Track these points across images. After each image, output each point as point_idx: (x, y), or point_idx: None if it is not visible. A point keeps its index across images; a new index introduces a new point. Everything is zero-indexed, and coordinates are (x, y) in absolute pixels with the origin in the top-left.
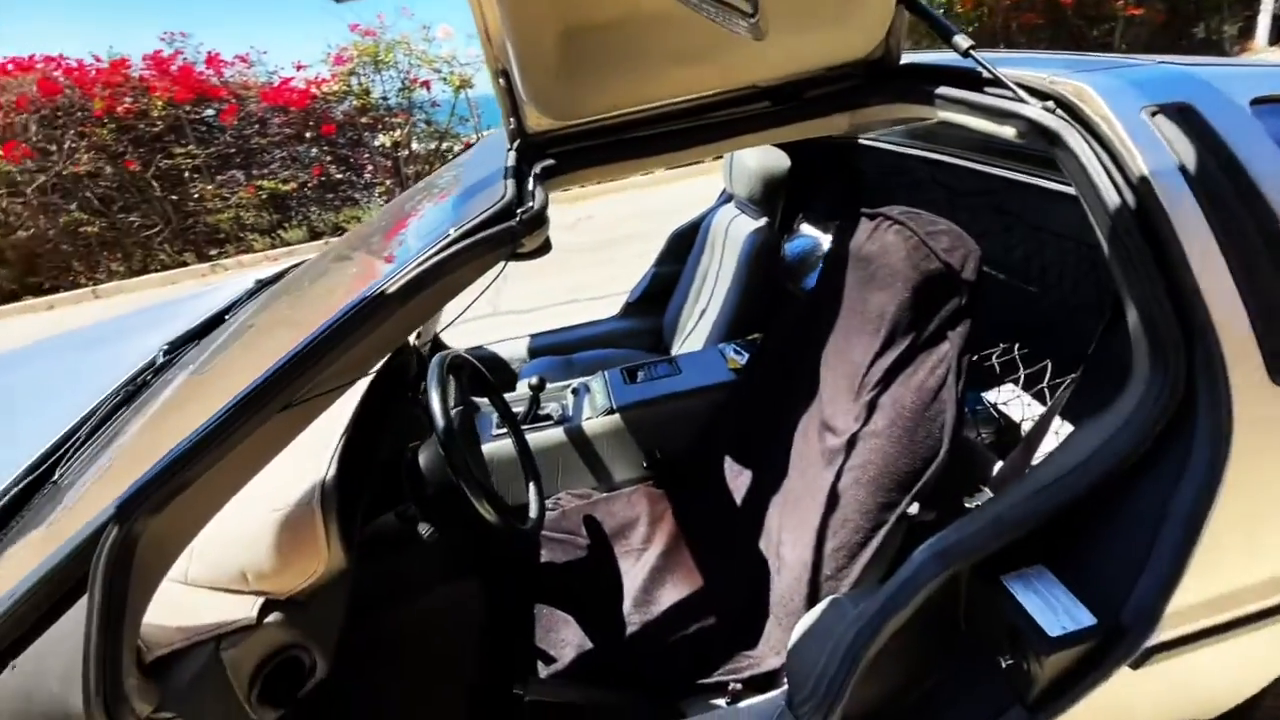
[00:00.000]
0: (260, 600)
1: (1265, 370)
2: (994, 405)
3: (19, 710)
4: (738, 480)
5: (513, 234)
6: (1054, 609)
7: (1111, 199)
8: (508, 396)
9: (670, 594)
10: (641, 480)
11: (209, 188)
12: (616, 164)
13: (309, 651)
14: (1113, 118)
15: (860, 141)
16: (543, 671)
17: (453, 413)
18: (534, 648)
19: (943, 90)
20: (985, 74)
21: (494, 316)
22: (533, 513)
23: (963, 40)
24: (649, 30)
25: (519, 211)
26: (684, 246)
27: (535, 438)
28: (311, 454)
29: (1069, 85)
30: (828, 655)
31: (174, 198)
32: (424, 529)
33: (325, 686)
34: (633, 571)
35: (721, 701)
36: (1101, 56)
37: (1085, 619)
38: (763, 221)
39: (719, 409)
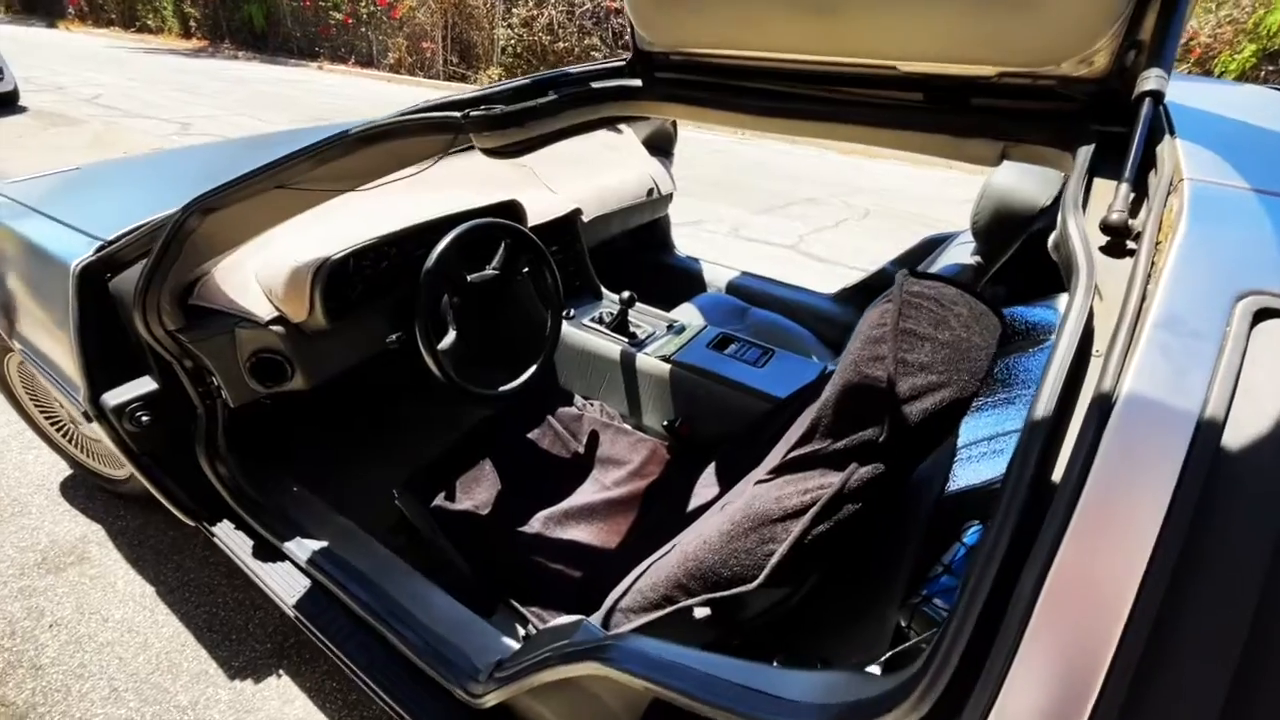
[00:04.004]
0: (275, 313)
1: None
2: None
3: (126, 292)
4: (706, 488)
5: (455, 125)
6: None
7: (1051, 386)
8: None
9: (578, 532)
10: (662, 436)
11: None
12: (713, 110)
13: (291, 364)
14: (1167, 293)
15: None
16: (435, 500)
17: (484, 273)
18: (450, 482)
19: (1084, 150)
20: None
21: (792, 250)
22: (504, 386)
23: (1152, 79)
24: None
25: (479, 109)
26: (925, 253)
27: (604, 345)
28: (337, 243)
29: (1171, 216)
30: (537, 652)
31: None
32: (391, 338)
33: (306, 405)
34: (578, 496)
35: (519, 626)
36: None
37: None
38: (972, 259)
39: (754, 416)
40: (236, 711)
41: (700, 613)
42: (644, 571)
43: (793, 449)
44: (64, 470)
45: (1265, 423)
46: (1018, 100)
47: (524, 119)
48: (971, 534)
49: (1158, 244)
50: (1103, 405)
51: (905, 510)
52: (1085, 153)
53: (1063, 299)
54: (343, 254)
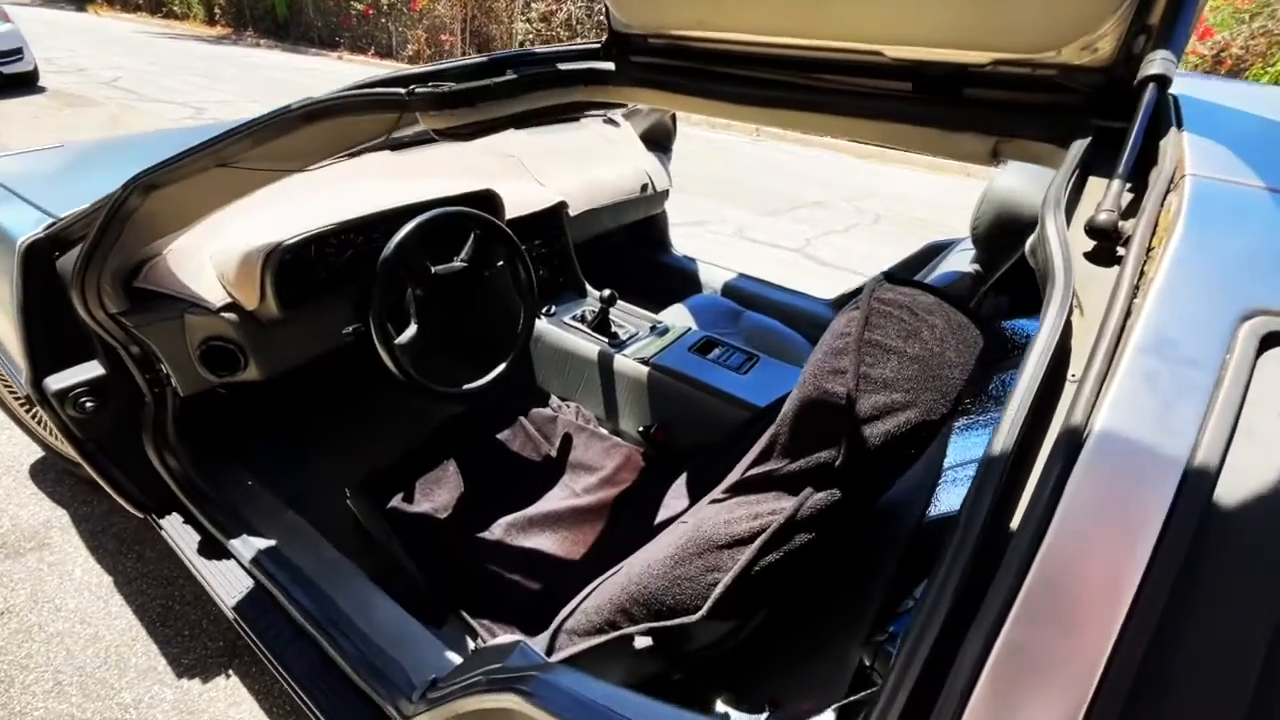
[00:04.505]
0: (228, 300)
1: None
2: None
3: (68, 272)
4: (676, 500)
5: (400, 102)
6: None
7: (1015, 414)
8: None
9: (540, 541)
10: (638, 441)
11: None
12: (690, 97)
13: (244, 353)
14: (1157, 310)
15: None
16: (391, 501)
17: (451, 265)
18: (410, 482)
19: (1078, 143)
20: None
21: (798, 254)
22: (469, 384)
23: (1158, 62)
24: None
25: (426, 86)
26: (926, 260)
27: (583, 344)
28: (296, 228)
29: (1169, 217)
30: (469, 674)
31: None
32: (348, 329)
33: (264, 396)
34: (545, 503)
35: (469, 639)
36: None
37: None
38: (971, 267)
39: (733, 425)
40: (180, 713)
41: (641, 642)
42: (592, 591)
43: (750, 467)
44: (36, 453)
45: (1270, 473)
46: (1013, 91)
47: (475, 99)
48: None
49: (1149, 250)
50: (1072, 440)
51: (879, 536)
52: (1079, 146)
53: None
54: (298, 239)
